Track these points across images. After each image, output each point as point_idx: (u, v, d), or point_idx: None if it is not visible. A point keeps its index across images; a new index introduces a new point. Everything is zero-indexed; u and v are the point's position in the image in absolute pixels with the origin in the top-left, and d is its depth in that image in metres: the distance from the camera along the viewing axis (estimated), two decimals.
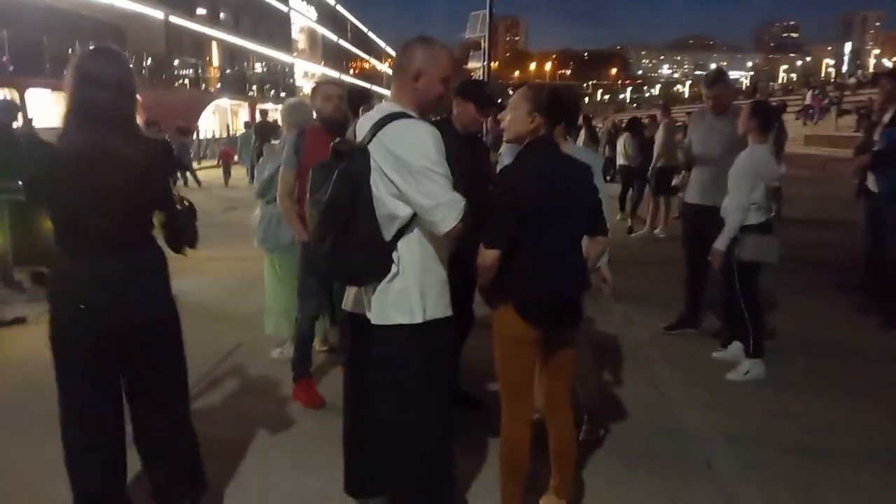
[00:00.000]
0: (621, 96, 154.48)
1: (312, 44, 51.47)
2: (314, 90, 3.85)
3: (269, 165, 4.21)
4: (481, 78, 16.14)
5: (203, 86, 32.56)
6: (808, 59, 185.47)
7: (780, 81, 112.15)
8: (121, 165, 2.04)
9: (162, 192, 2.27)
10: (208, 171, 20.94)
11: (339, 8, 56.82)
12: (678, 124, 10.25)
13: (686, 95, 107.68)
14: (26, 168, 2.03)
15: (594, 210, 2.53)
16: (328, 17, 53.48)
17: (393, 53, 53.92)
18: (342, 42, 57.71)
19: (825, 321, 5.40)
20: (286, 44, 44.14)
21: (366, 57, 69.09)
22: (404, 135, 2.13)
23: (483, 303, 2.63)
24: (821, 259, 7.45)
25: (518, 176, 2.41)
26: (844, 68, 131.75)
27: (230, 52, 36.39)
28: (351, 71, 62.53)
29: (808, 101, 31.31)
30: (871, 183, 5.31)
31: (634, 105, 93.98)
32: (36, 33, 20.09)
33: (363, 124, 2.26)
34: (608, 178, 13.20)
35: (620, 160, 10.51)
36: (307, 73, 47.93)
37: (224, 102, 33.98)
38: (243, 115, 33.17)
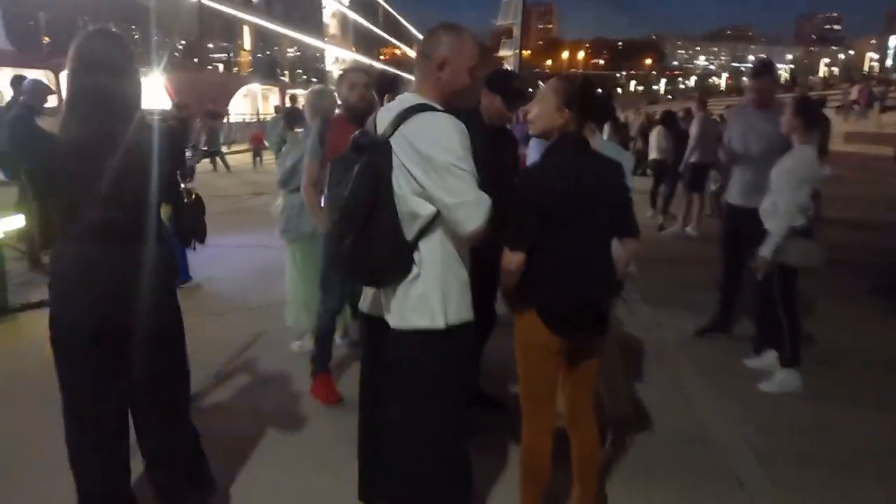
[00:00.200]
0: (654, 87, 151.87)
1: (344, 29, 51.45)
2: (340, 78, 3.77)
3: (292, 155, 4.13)
4: (512, 67, 15.88)
5: (234, 69, 32.77)
6: (851, 52, 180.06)
7: (820, 75, 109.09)
8: (122, 155, 1.95)
9: (167, 183, 2.17)
10: (239, 156, 21.11)
11: None
12: (714, 117, 9.95)
13: (722, 87, 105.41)
14: (27, 159, 1.95)
15: (624, 209, 2.38)
16: (360, 1, 53.37)
17: None
18: (373, 28, 57.57)
19: (861, 328, 5.17)
20: (317, 29, 44.17)
21: (396, 43, 68.91)
22: (428, 129, 2.02)
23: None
24: (855, 261, 7.17)
25: (541, 174, 2.31)
26: (889, 63, 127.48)
27: (262, 37, 36.54)
28: (381, 57, 62.42)
29: (853, 95, 30.23)
30: None
31: (669, 97, 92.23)
32: (72, 15, 20.37)
33: (384, 115, 2.15)
34: (640, 172, 12.93)
35: (653, 154, 10.25)
36: (338, 59, 47.96)
37: (255, 87, 34.17)
38: (273, 99, 33.35)
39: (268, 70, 35.60)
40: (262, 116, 31.54)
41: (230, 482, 2.87)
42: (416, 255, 2.08)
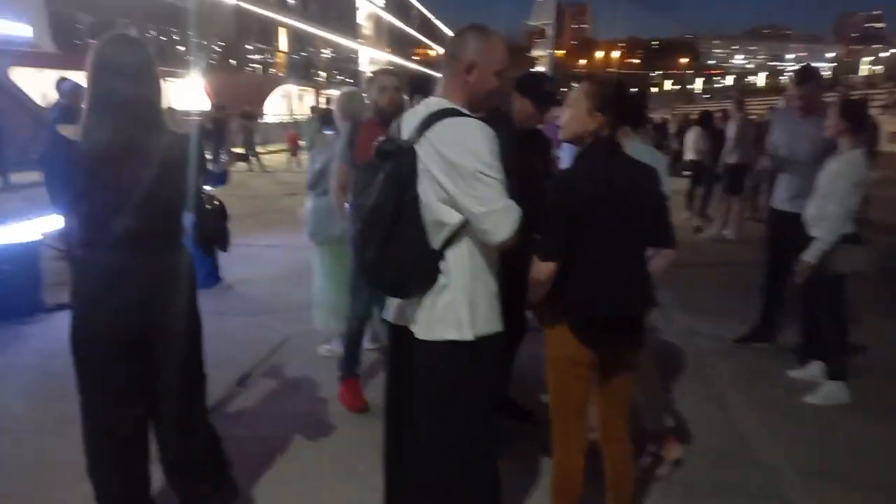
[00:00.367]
0: (689, 87, 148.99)
1: (378, 30, 51.69)
2: (370, 80, 3.73)
3: (321, 157, 4.11)
4: (545, 68, 15.69)
5: (271, 71, 33.19)
6: (893, 51, 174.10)
7: (861, 74, 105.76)
8: (143, 161, 1.92)
9: (189, 190, 2.12)
10: (275, 156, 21.36)
11: None
12: (752, 117, 9.66)
13: (758, 86, 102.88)
14: (45, 167, 1.93)
15: (658, 215, 2.26)
16: (394, 3, 53.56)
17: None
18: (407, 28, 57.72)
19: None
20: (352, 30, 44.47)
21: (430, 44, 68.95)
22: (455, 134, 1.95)
23: None
24: None
25: (569, 177, 2.26)
26: None
27: (298, 38, 36.93)
28: (414, 58, 62.53)
29: None
30: None
31: (706, 96, 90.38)
32: (115, 18, 20.83)
33: (409, 120, 2.08)
34: (675, 172, 12.64)
35: (689, 154, 10.02)
36: (372, 60, 48.22)
37: (291, 88, 34.57)
38: (309, 100, 33.71)
39: (303, 71, 35.96)
40: (296, 117, 31.88)
41: (253, 488, 2.84)
42: (442, 265, 2.01)
